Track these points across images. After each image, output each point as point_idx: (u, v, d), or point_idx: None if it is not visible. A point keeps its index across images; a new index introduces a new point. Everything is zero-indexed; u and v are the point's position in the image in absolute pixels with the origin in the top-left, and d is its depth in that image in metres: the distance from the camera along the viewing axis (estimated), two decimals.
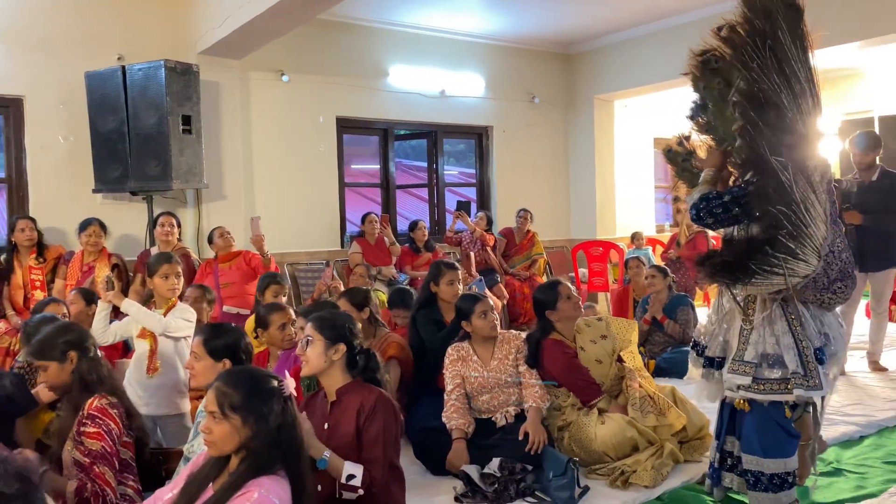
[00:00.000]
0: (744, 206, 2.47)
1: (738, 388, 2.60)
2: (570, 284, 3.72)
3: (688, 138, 3.14)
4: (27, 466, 1.25)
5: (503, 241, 7.96)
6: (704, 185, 2.71)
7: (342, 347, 2.53)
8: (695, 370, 2.92)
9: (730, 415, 2.77)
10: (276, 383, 2.06)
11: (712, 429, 3.47)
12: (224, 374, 2.08)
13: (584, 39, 8.96)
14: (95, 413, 2.63)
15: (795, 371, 2.51)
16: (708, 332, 2.85)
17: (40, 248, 5.37)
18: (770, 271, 2.40)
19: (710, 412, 3.69)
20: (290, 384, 2.08)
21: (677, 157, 3.20)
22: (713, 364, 2.79)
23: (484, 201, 8.95)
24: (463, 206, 7.97)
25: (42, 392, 2.93)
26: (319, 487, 2.40)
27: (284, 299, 4.63)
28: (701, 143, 3.15)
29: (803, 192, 2.38)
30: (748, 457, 2.68)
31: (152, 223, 5.80)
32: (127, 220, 6.27)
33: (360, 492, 2.39)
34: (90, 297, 4.39)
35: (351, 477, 2.37)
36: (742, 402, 2.64)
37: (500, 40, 8.63)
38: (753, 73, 2.41)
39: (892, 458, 3.48)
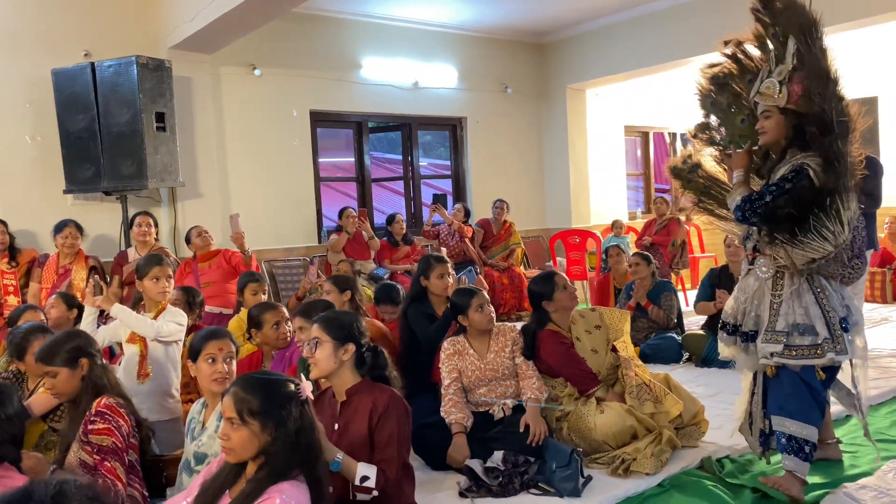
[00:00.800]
0: (784, 204, 2.71)
1: (772, 355, 2.81)
2: (565, 275, 3.73)
3: (690, 156, 3.33)
4: (104, 492, 1.22)
5: (480, 232, 7.98)
6: (740, 186, 2.92)
7: (351, 347, 2.51)
8: (726, 349, 3.09)
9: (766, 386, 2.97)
10: (293, 387, 2.03)
11: (708, 415, 3.57)
12: (241, 380, 2.05)
13: (556, 29, 8.98)
14: (104, 410, 2.59)
15: (826, 337, 2.75)
16: (738, 311, 3.02)
17: (12, 251, 5.24)
18: (820, 234, 2.67)
19: (704, 398, 3.77)
20: (307, 387, 2.06)
21: (683, 172, 3.38)
22: (748, 338, 2.96)
23: (459, 193, 8.94)
24: (439, 200, 7.96)
25: (34, 403, 2.86)
26: (331, 489, 2.38)
27: (265, 297, 4.58)
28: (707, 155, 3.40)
29: (847, 164, 2.69)
30: (775, 418, 2.89)
31: (128, 223, 5.67)
32: (100, 221, 6.12)
33: (375, 493, 2.38)
34: (71, 301, 4.29)
35: (365, 478, 2.36)
36: (772, 368, 2.86)
37: (473, 31, 8.61)
38: (814, 59, 2.71)
39: (881, 436, 3.56)
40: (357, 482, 2.36)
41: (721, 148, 3.28)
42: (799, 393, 2.82)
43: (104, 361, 2.82)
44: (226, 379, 2.63)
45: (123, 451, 2.57)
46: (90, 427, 2.56)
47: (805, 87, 2.73)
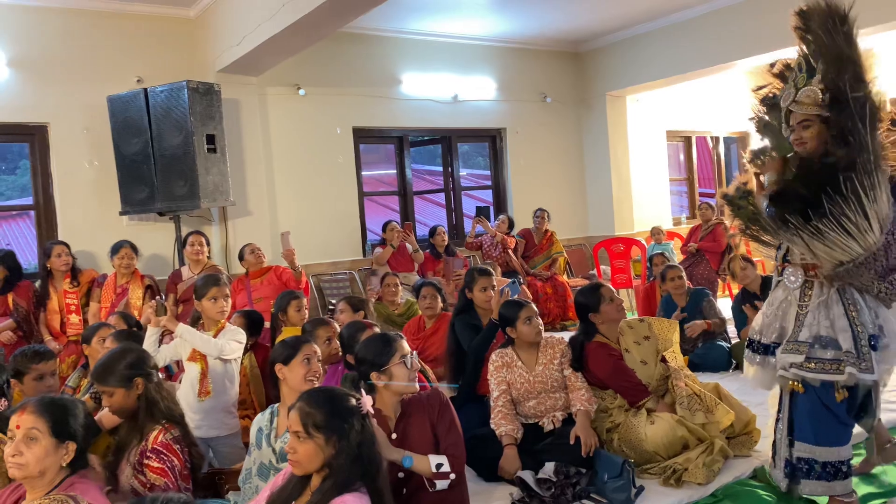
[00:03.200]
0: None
1: (791, 366, 2.70)
2: (611, 286, 3.75)
3: (746, 184, 3.31)
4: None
5: (522, 242, 8.02)
6: (772, 186, 2.88)
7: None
8: (749, 367, 2.99)
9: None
10: (354, 401, 2.12)
11: (760, 424, 3.55)
12: (305, 395, 2.15)
13: (593, 37, 8.99)
14: (160, 448, 2.64)
15: (848, 351, 2.61)
16: (764, 325, 2.94)
17: (74, 272, 5.44)
18: (840, 225, 2.52)
19: (755, 406, 3.75)
20: (368, 401, 2.15)
21: (735, 199, 3.37)
22: (769, 351, 2.88)
23: (500, 203, 8.99)
24: (482, 212, 8.03)
25: (105, 418, 2.98)
26: (405, 490, 2.57)
27: (306, 312, 4.66)
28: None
29: (877, 157, 2.56)
30: (800, 444, 2.76)
31: (181, 242, 5.86)
32: (154, 241, 6.34)
33: (452, 476, 2.55)
34: (129, 320, 4.45)
35: (440, 465, 2.52)
36: (795, 383, 2.74)
37: (510, 42, 8.67)
38: (834, 44, 2.64)
39: None
40: (434, 470, 2.52)
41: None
42: (821, 415, 2.69)
43: (160, 377, 2.87)
44: (318, 378, 2.86)
45: (175, 490, 2.63)
46: (145, 461, 2.63)
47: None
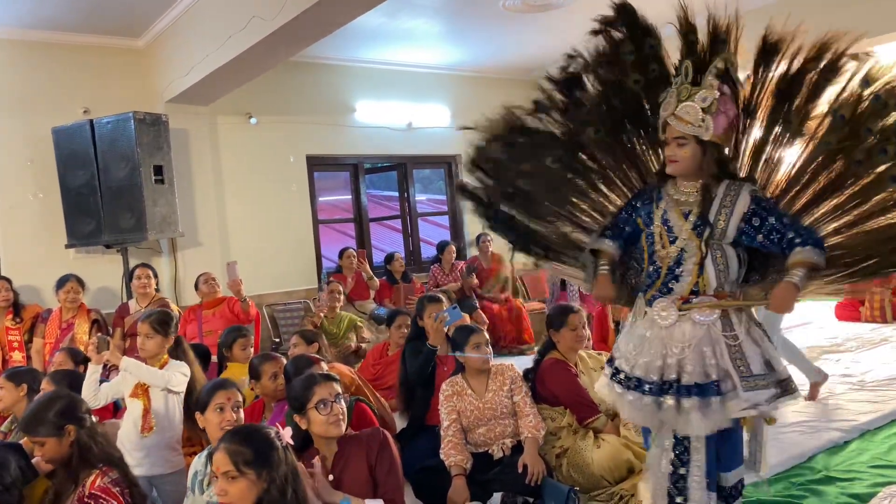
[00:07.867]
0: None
1: (766, 402, 2.37)
2: (583, 317, 3.78)
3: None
4: None
5: (474, 268, 8.03)
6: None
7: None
8: (648, 416, 2.50)
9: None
10: (274, 434, 2.12)
11: None
12: (228, 435, 2.14)
13: (546, 65, 9.12)
14: (99, 493, 2.56)
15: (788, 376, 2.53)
16: (666, 365, 2.45)
17: (17, 307, 5.32)
18: None
19: None
20: (287, 434, 2.15)
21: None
22: (689, 393, 2.40)
23: (456, 229, 9.05)
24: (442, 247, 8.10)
25: (42, 462, 2.89)
26: None
27: (252, 350, 4.60)
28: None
29: None
30: (736, 471, 2.62)
31: (129, 276, 5.75)
32: (101, 274, 6.21)
33: None
34: (77, 356, 4.34)
35: None
36: (750, 420, 2.52)
37: (464, 70, 8.77)
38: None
39: (879, 462, 3.58)
40: None
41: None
42: (739, 441, 2.60)
43: (93, 421, 2.77)
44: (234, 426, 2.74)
45: None
46: None
47: (732, 120, 2.41)
